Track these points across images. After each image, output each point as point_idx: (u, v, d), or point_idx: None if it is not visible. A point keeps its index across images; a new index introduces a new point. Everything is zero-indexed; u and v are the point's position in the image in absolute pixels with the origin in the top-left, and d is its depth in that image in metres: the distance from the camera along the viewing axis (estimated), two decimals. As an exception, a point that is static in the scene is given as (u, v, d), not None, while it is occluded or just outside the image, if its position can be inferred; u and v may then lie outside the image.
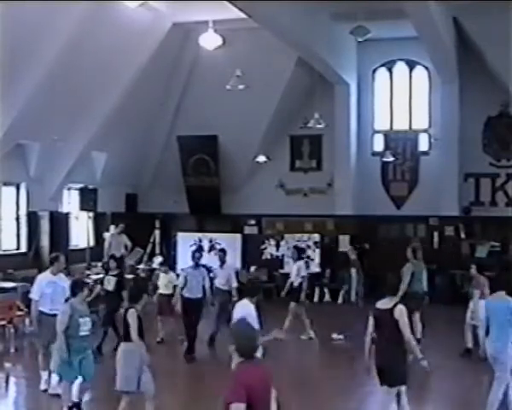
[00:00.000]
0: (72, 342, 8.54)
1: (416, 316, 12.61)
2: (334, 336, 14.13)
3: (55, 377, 9.61)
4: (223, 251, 13.83)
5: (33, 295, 9.99)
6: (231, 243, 20.52)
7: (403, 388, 7.61)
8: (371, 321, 7.71)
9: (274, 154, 20.66)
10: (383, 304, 7.64)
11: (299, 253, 14.75)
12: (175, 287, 13.29)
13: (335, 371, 11.97)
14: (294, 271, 14.12)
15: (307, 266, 15.01)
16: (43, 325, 9.77)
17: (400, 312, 7.46)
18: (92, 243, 19.51)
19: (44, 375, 9.98)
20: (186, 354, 12.35)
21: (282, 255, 20.20)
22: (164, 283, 13.87)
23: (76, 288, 8.84)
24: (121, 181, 20.68)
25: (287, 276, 15.15)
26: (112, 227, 19.10)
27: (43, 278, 10.16)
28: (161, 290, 13.83)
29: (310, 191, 20.94)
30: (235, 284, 12.98)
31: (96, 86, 16.54)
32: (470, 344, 12.40)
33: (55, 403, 9.28)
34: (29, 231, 17.63)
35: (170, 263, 20.34)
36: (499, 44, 16.44)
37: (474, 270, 12.56)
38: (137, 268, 19.51)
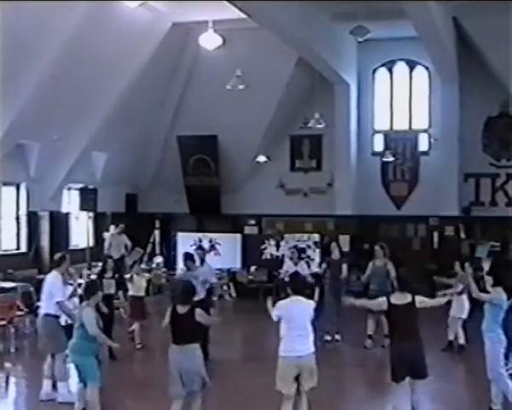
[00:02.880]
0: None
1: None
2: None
3: (62, 385, 9.35)
4: (202, 249, 13.91)
5: (60, 298, 9.45)
6: (231, 243, 20.54)
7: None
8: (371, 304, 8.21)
9: (274, 154, 20.66)
10: (399, 299, 7.82)
11: (300, 253, 15.01)
12: (147, 290, 13.32)
13: (334, 372, 11.96)
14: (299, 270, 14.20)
15: (308, 266, 15.01)
16: (54, 328, 9.43)
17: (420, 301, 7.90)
18: (92, 243, 19.51)
19: (47, 384, 9.53)
20: None
21: (282, 255, 20.14)
22: (138, 285, 13.27)
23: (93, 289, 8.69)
24: (121, 181, 20.68)
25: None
26: (112, 227, 19.10)
27: (58, 278, 9.62)
28: (133, 293, 13.19)
29: (310, 191, 20.94)
30: (214, 280, 13.19)
31: (95, 86, 16.54)
32: (451, 337, 12.86)
33: (55, 403, 9.28)
34: (29, 231, 17.63)
35: (170, 263, 20.51)
36: (499, 44, 16.45)
37: (457, 267, 12.82)
38: (137, 268, 19.48)
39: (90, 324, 8.13)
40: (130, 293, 13.21)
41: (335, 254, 14.30)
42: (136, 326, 13.07)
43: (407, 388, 7.92)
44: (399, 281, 8.05)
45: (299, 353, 7.63)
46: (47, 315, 9.51)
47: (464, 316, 12.78)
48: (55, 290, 9.45)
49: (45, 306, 9.57)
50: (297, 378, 7.71)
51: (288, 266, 14.51)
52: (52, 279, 9.63)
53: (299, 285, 8.04)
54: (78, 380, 8.50)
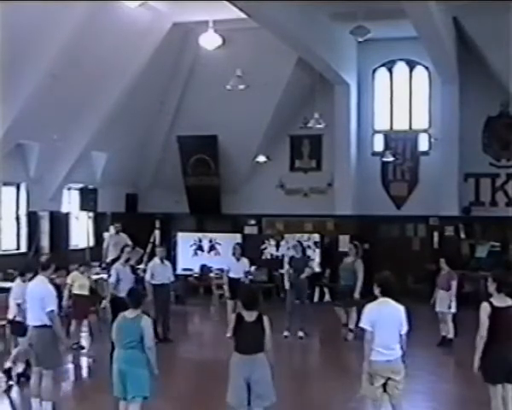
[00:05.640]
0: None
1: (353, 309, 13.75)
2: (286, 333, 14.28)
3: (48, 405, 8.78)
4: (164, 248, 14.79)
5: (53, 306, 8.65)
6: (231, 243, 20.50)
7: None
8: (486, 320, 7.58)
9: (274, 154, 20.66)
10: (502, 301, 7.64)
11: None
12: (91, 289, 13.36)
13: (335, 370, 11.98)
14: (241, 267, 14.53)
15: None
16: (50, 341, 8.69)
17: None
18: (92, 243, 19.52)
19: (36, 403, 8.89)
20: None
21: (282, 255, 20.15)
22: (80, 283, 13.06)
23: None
24: (121, 181, 20.69)
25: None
26: (111, 227, 19.11)
27: (48, 283, 8.90)
28: (77, 291, 12.95)
29: (310, 191, 20.94)
30: (172, 279, 14.38)
31: (96, 86, 16.55)
32: (444, 332, 13.36)
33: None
34: (29, 231, 17.62)
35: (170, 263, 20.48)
36: (499, 44, 16.45)
37: (443, 264, 13.60)
38: (137, 268, 19.49)
39: (149, 334, 7.60)
40: (74, 291, 13.00)
41: (298, 253, 14.71)
42: (73, 325, 13.03)
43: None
44: (498, 283, 7.72)
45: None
46: (41, 326, 8.67)
47: (453, 310, 13.22)
48: (46, 298, 8.64)
49: (37, 316, 8.70)
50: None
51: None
52: (43, 286, 8.80)
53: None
54: (120, 395, 7.67)
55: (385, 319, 7.36)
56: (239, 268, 14.46)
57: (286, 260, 15.25)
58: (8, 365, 10.55)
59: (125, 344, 7.56)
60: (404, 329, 7.43)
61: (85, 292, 13.16)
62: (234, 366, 7.41)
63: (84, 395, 10.43)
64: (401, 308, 7.50)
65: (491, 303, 7.64)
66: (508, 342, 7.62)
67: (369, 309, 7.49)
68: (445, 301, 13.19)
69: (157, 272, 14.05)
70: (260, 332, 7.36)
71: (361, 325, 7.49)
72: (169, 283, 14.21)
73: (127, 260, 13.22)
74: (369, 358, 7.37)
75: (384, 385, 7.39)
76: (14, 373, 10.59)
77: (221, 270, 19.23)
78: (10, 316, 10.39)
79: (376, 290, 7.55)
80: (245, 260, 14.66)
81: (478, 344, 7.64)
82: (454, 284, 13.27)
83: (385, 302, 7.46)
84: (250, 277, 14.88)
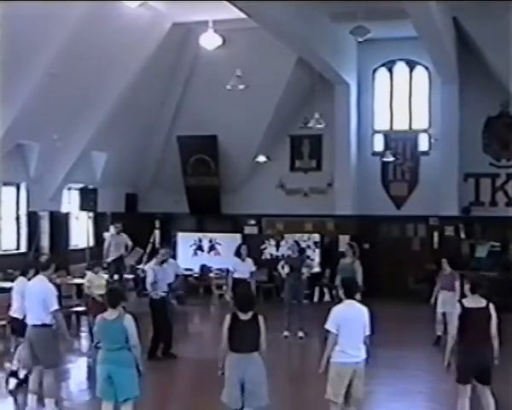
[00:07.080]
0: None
1: None
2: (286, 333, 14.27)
3: (51, 402, 8.72)
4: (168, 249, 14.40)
5: (56, 306, 8.63)
6: (231, 242, 20.53)
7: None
8: (457, 321, 7.70)
9: (274, 154, 20.66)
10: (474, 302, 7.72)
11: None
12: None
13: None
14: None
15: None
16: (49, 340, 8.67)
17: (493, 309, 7.73)
18: (92, 243, 19.51)
19: (33, 399, 8.83)
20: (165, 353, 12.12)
21: (282, 255, 20.17)
22: (98, 284, 12.90)
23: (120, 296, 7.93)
24: (121, 181, 20.68)
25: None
26: (112, 227, 19.11)
27: (49, 283, 8.85)
28: (97, 292, 12.70)
29: (310, 191, 20.94)
30: (180, 273, 14.03)
31: (95, 86, 16.55)
32: (440, 332, 13.36)
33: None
34: (29, 231, 17.62)
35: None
36: (499, 44, 16.46)
37: (445, 264, 13.67)
38: (137, 268, 19.51)
39: (134, 333, 7.50)
40: (94, 292, 12.79)
41: (294, 253, 14.70)
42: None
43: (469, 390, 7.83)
44: (472, 285, 7.82)
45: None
46: (40, 326, 8.64)
47: (458, 311, 13.04)
48: (48, 298, 8.61)
49: (36, 315, 8.68)
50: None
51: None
52: (43, 285, 8.76)
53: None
54: (109, 397, 7.54)
55: (351, 321, 7.41)
56: (245, 269, 14.39)
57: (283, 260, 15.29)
58: (14, 367, 10.28)
59: (111, 346, 7.46)
60: (367, 330, 7.48)
61: (103, 291, 13.10)
62: (229, 365, 7.37)
63: (84, 395, 10.41)
64: (365, 310, 7.55)
65: (461, 304, 7.77)
66: (478, 343, 7.66)
67: (336, 312, 7.50)
68: (449, 302, 13.12)
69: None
70: (255, 331, 7.32)
71: (327, 326, 7.47)
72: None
73: (163, 262, 12.92)
74: (330, 360, 7.41)
75: (348, 386, 7.43)
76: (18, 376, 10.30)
77: (222, 270, 19.30)
78: (15, 315, 9.99)
79: (341, 292, 7.66)
80: (250, 261, 14.62)
81: (448, 343, 7.82)
82: (458, 284, 13.25)
83: (350, 304, 7.52)
84: (255, 277, 14.79)
